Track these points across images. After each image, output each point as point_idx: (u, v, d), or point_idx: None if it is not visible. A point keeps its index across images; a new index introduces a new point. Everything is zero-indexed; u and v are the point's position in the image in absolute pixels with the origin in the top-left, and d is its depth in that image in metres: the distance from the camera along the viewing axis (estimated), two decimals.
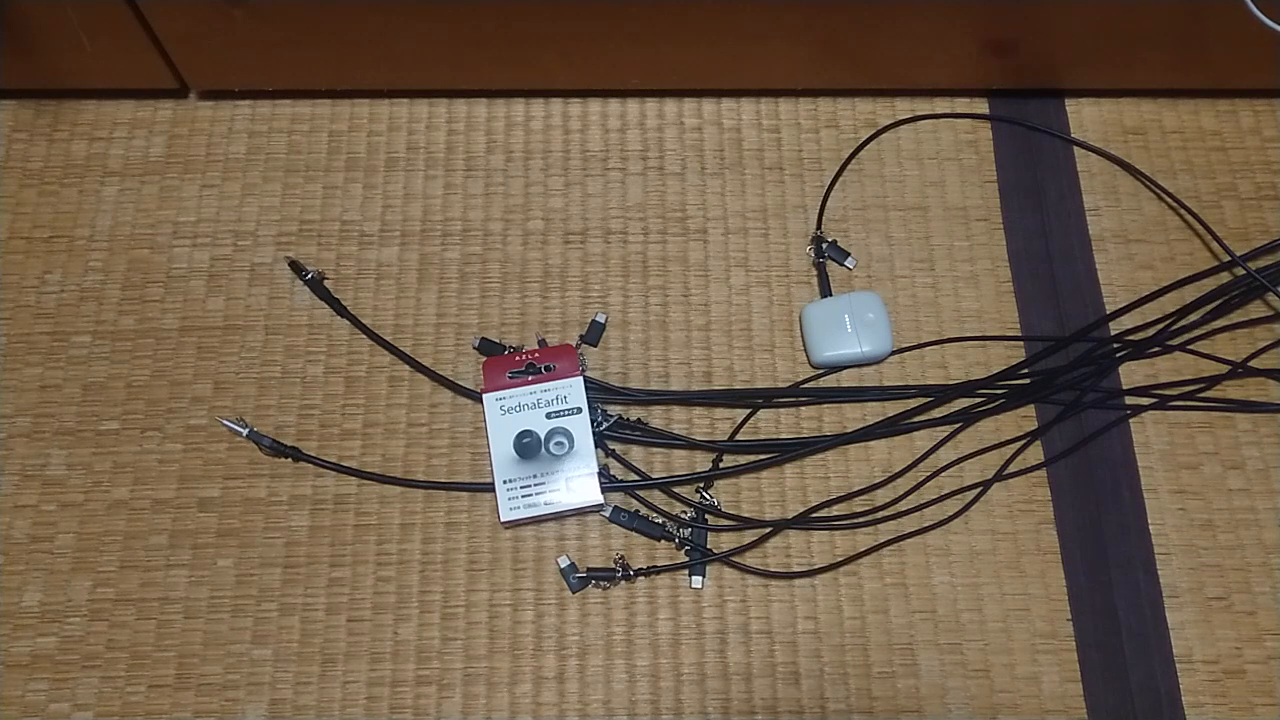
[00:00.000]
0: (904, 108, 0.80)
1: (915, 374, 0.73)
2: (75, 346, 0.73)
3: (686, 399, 0.72)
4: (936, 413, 0.72)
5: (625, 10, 0.69)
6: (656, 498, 0.70)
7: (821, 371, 0.73)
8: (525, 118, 0.80)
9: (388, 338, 0.73)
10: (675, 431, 0.71)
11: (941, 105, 0.81)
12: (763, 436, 0.71)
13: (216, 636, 0.66)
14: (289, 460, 0.70)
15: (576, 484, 0.67)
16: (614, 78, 0.77)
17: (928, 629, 0.67)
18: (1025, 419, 0.72)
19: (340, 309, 0.74)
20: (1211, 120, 0.80)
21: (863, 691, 0.66)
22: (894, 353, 0.73)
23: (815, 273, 0.75)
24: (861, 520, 0.69)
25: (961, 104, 0.81)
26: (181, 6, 0.68)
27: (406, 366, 0.73)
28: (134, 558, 0.68)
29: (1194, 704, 0.66)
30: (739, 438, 0.71)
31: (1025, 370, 0.73)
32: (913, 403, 0.72)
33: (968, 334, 0.74)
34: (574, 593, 0.68)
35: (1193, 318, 0.74)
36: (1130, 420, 0.72)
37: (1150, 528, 0.70)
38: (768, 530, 0.69)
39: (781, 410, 0.72)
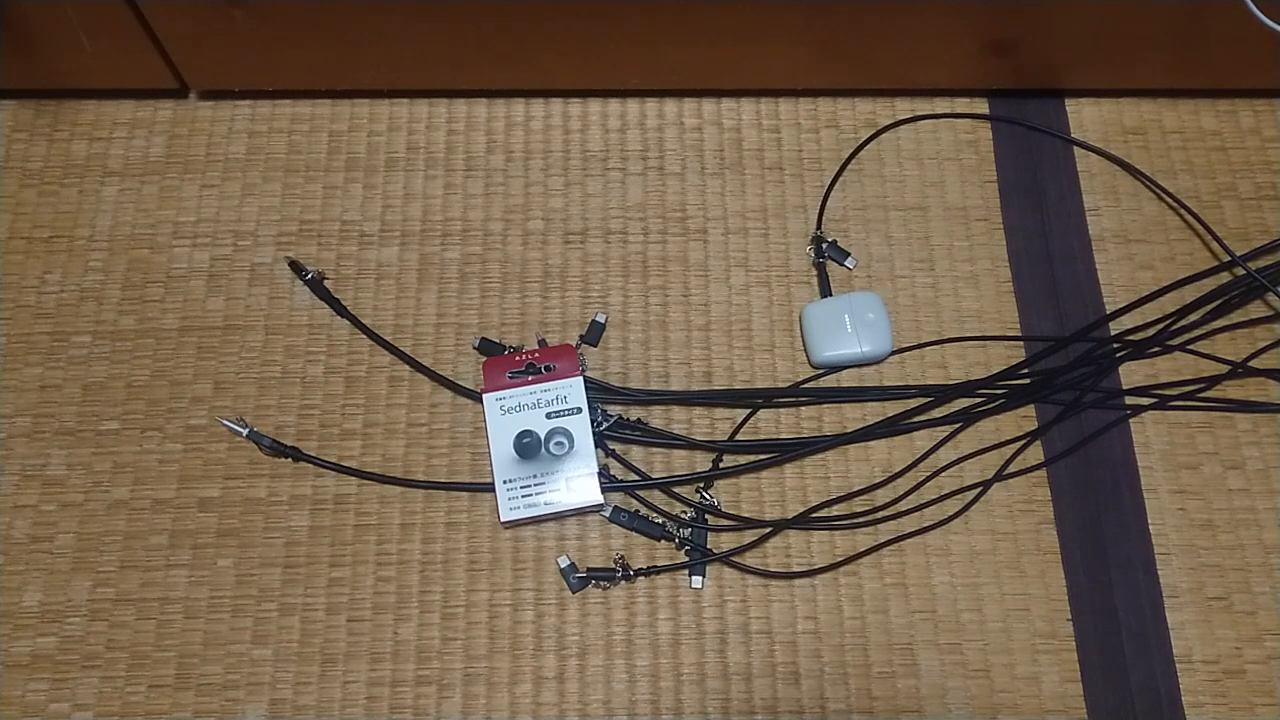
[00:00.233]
0: (904, 108, 0.80)
1: (915, 374, 0.73)
2: (75, 346, 0.73)
3: (686, 399, 0.72)
4: (936, 413, 0.72)
5: (625, 10, 0.69)
6: (656, 498, 0.70)
7: (821, 371, 0.73)
8: (525, 118, 0.80)
9: (388, 338, 0.73)
10: (675, 431, 0.71)
11: (941, 105, 0.81)
12: (763, 436, 0.71)
13: (216, 636, 0.66)
14: (289, 460, 0.70)
15: (576, 484, 0.67)
16: (614, 78, 0.77)
17: (928, 629, 0.67)
18: (1025, 419, 0.72)
19: (340, 309, 0.74)
20: (1211, 120, 0.80)
21: (863, 691, 0.66)
22: (894, 353, 0.73)
23: (815, 273, 0.75)
24: (861, 520, 0.69)
25: (961, 104, 0.81)
26: (181, 6, 0.68)
27: (406, 366, 0.73)
28: (134, 558, 0.68)
29: (1194, 704, 0.66)
30: (739, 438, 0.71)
31: (1025, 370, 0.73)
32: (913, 403, 0.72)
33: (968, 334, 0.74)
34: (574, 593, 0.68)
35: (1193, 318, 0.74)
36: (1130, 420, 0.72)
37: (1150, 528, 0.70)
38: (768, 530, 0.69)
39: (781, 410, 0.72)
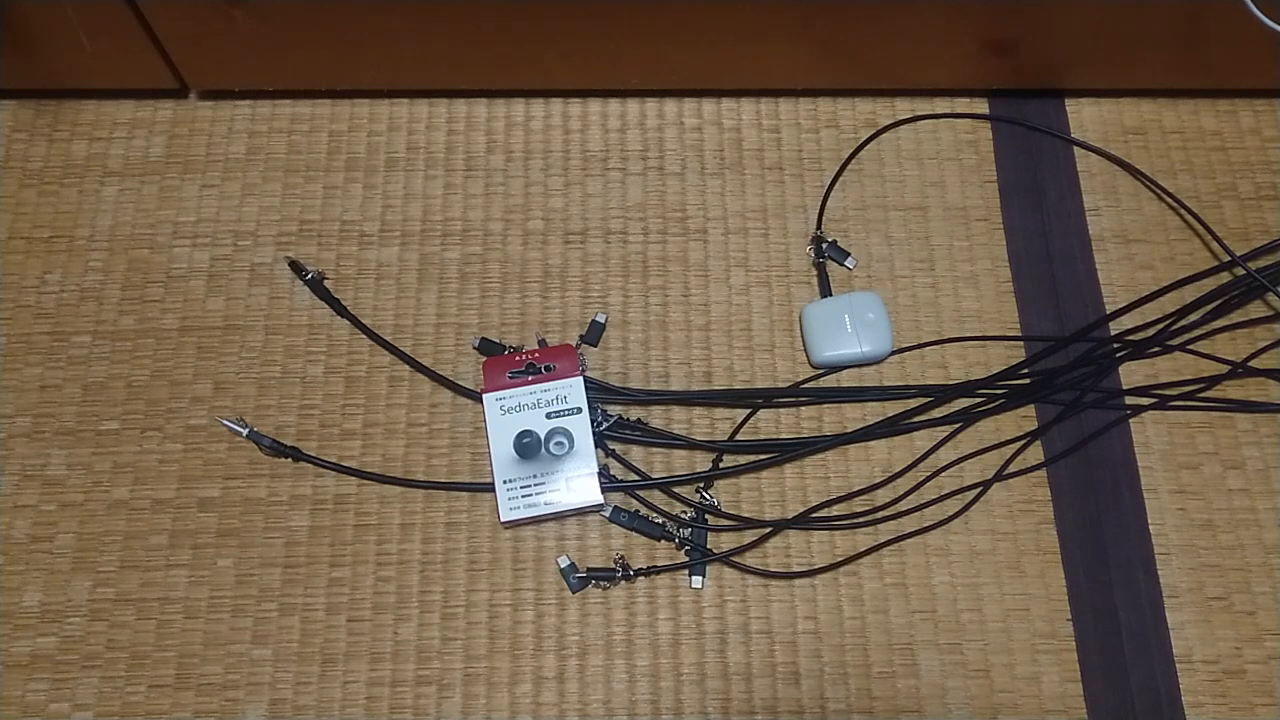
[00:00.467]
0: (904, 108, 0.80)
1: (915, 374, 0.73)
2: (75, 346, 0.73)
3: (686, 399, 0.72)
4: (936, 413, 0.72)
5: (625, 10, 0.69)
6: (656, 498, 0.70)
7: (821, 371, 0.73)
8: (525, 118, 0.80)
9: (388, 338, 0.73)
10: (675, 431, 0.71)
11: (941, 105, 0.81)
12: (763, 436, 0.71)
13: (216, 636, 0.66)
14: (289, 460, 0.70)
15: (576, 484, 0.67)
16: (614, 78, 0.77)
17: (928, 629, 0.67)
18: (1025, 419, 0.72)
19: (340, 309, 0.74)
20: (1211, 120, 0.80)
21: (863, 691, 0.66)
22: (894, 353, 0.73)
23: (815, 273, 0.75)
24: (861, 520, 0.69)
25: (961, 104, 0.81)
26: (181, 6, 0.68)
27: (406, 366, 0.73)
28: (134, 558, 0.68)
29: (1194, 704, 0.66)
30: (739, 438, 0.71)
31: (1025, 370, 0.73)
32: (913, 403, 0.72)
33: (968, 334, 0.74)
34: (574, 593, 0.68)
35: (1193, 318, 0.74)
36: (1130, 420, 0.72)
37: (1150, 528, 0.70)
38: (768, 530, 0.69)
39: (781, 410, 0.72)
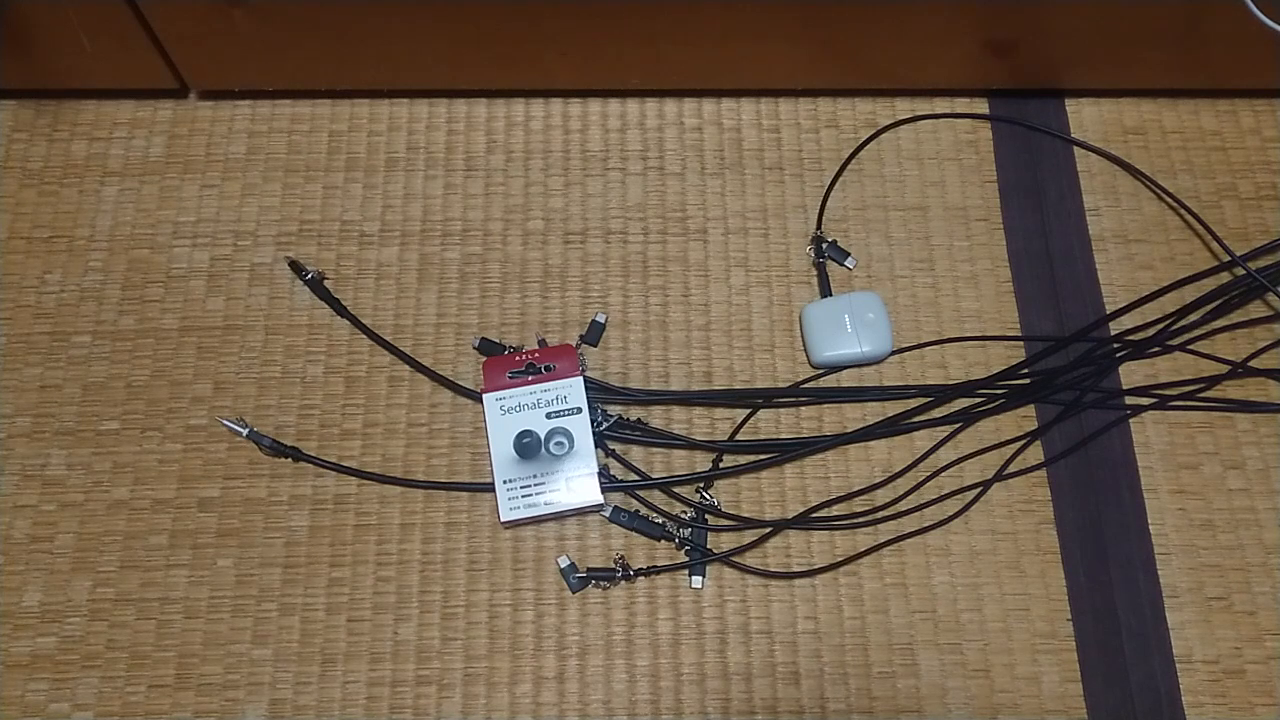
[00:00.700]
0: (904, 108, 0.80)
1: (915, 374, 0.73)
2: (75, 346, 0.73)
3: (686, 399, 0.72)
4: (936, 413, 0.72)
5: (625, 10, 0.69)
6: (656, 498, 0.70)
7: (821, 371, 0.73)
8: (525, 118, 0.80)
9: (388, 338, 0.73)
10: (675, 431, 0.71)
11: (941, 105, 0.81)
12: (763, 436, 0.71)
13: (216, 636, 0.66)
14: (289, 460, 0.70)
15: (576, 484, 0.67)
16: (614, 78, 0.77)
17: (928, 629, 0.67)
18: (1025, 419, 0.72)
19: (340, 309, 0.74)
20: (1211, 120, 0.80)
21: (863, 691, 0.66)
22: (894, 353, 0.73)
23: (815, 273, 0.75)
24: (861, 520, 0.69)
25: (961, 104, 0.81)
26: (181, 6, 0.68)
27: (406, 366, 0.73)
28: (134, 558, 0.68)
29: (1194, 704, 0.66)
30: (739, 438, 0.71)
31: (1025, 370, 0.73)
32: (913, 403, 0.72)
33: (968, 334, 0.74)
34: (574, 593, 0.68)
35: (1193, 318, 0.74)
36: (1130, 420, 0.72)
37: (1150, 528, 0.70)
38: (768, 530, 0.69)
39: (781, 410, 0.72)
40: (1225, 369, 0.73)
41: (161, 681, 0.65)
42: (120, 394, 0.72)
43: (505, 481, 0.68)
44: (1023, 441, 0.71)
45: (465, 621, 0.67)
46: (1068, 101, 0.81)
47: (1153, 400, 0.72)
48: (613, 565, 0.67)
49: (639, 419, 0.71)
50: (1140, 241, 0.77)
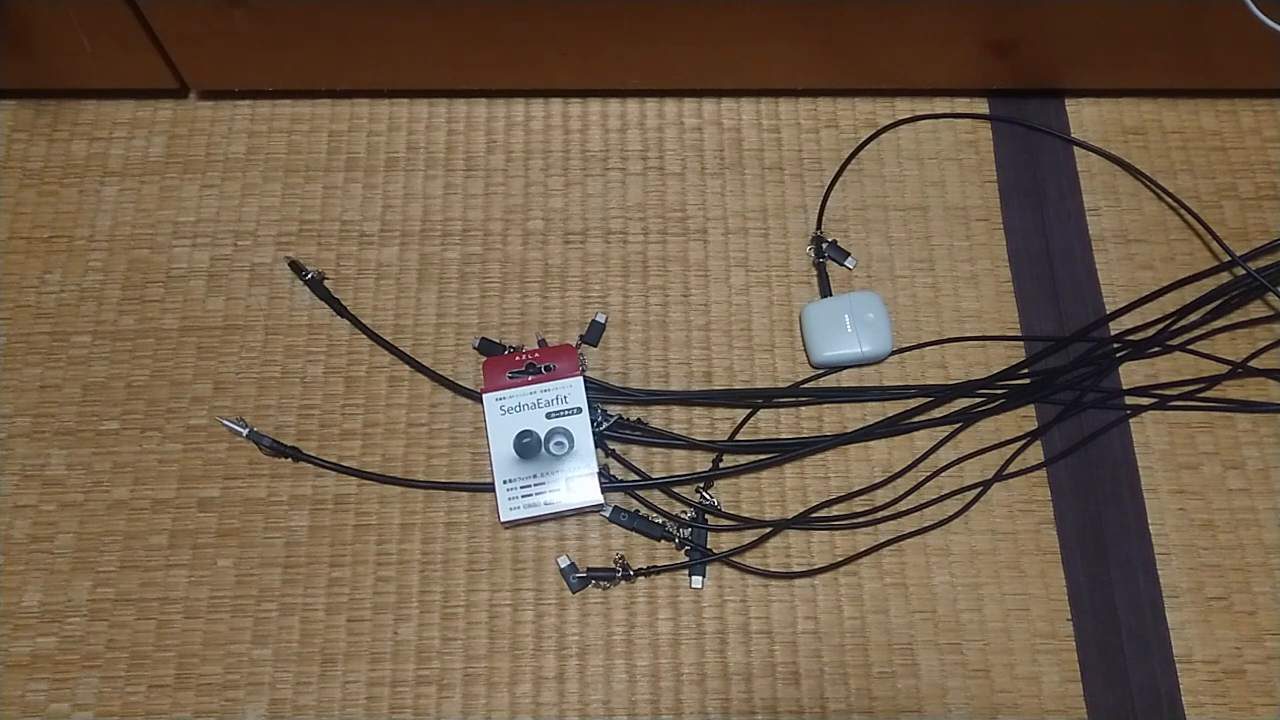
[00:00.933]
0: (904, 108, 0.80)
1: (915, 374, 0.73)
2: (75, 346, 0.73)
3: (686, 399, 0.72)
4: (936, 413, 0.72)
5: (625, 10, 0.69)
6: (656, 498, 0.70)
7: (821, 371, 0.73)
8: (525, 118, 0.80)
9: (388, 338, 0.73)
10: (675, 431, 0.71)
11: (941, 105, 0.81)
12: (763, 436, 0.71)
13: (216, 636, 0.66)
14: (289, 460, 0.70)
15: (576, 484, 0.67)
16: (614, 78, 0.77)
17: (928, 629, 0.67)
18: (1025, 419, 0.72)
19: (340, 309, 0.74)
20: (1211, 120, 0.80)
21: (863, 691, 0.66)
22: (894, 353, 0.73)
23: (815, 273, 0.75)
24: (861, 520, 0.69)
25: (961, 104, 0.81)
26: (181, 6, 0.68)
27: (406, 366, 0.73)
28: (134, 558, 0.68)
29: (1194, 704, 0.66)
30: (739, 438, 0.71)
31: (1025, 370, 0.73)
32: (913, 403, 0.72)
33: (968, 334, 0.74)
34: (574, 593, 0.68)
35: (1193, 318, 0.74)
36: (1130, 420, 0.72)
37: (1150, 528, 0.70)
38: (768, 530, 0.69)
39: (781, 410, 0.72)
40: (1225, 369, 0.73)
41: (161, 681, 0.65)
42: (120, 394, 0.72)
43: (505, 481, 0.68)
44: (1023, 441, 0.71)
45: (465, 621, 0.67)
46: (1068, 101, 0.81)
47: (1153, 400, 0.72)
48: (613, 565, 0.67)
49: (639, 419, 0.71)
50: (1140, 241, 0.77)
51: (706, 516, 0.69)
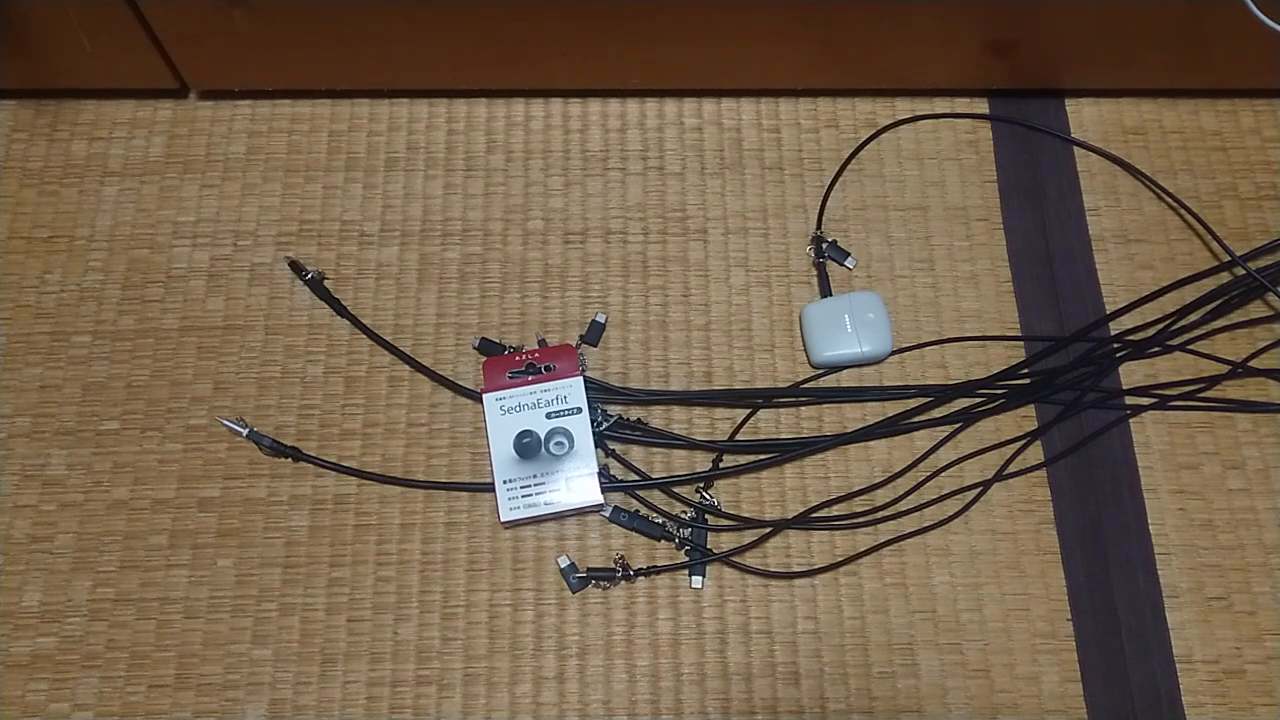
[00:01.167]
0: (904, 108, 0.80)
1: (915, 374, 0.73)
2: (75, 346, 0.73)
3: (686, 399, 0.72)
4: (936, 413, 0.72)
5: (625, 10, 0.69)
6: (656, 498, 0.70)
7: (821, 371, 0.73)
8: (525, 118, 0.80)
9: (388, 338, 0.73)
10: (675, 431, 0.71)
11: (941, 105, 0.81)
12: (763, 436, 0.71)
13: (216, 636, 0.66)
14: (289, 460, 0.70)
15: (576, 484, 0.67)
16: (614, 78, 0.77)
17: (928, 629, 0.67)
18: (1025, 419, 0.72)
19: (340, 309, 0.74)
20: (1211, 120, 0.80)
21: (863, 691, 0.66)
22: (894, 353, 0.73)
23: (815, 273, 0.75)
24: (861, 520, 0.69)
25: (961, 104, 0.81)
26: (181, 6, 0.68)
27: (406, 366, 0.73)
28: (134, 558, 0.68)
29: (1194, 704, 0.66)
30: (739, 438, 0.71)
31: (1025, 370, 0.73)
32: (913, 403, 0.72)
33: (968, 334, 0.74)
34: (574, 593, 0.68)
35: (1193, 318, 0.74)
36: (1130, 420, 0.72)
37: (1150, 528, 0.70)
38: (768, 530, 0.69)
39: (781, 410, 0.72)
40: (1225, 369, 0.73)
41: (161, 681, 0.65)
42: (120, 394, 0.72)
43: (505, 481, 0.68)
44: (1023, 441, 0.71)
45: (465, 621, 0.67)
46: (1068, 101, 0.81)
47: (1153, 400, 0.72)
48: (613, 565, 0.67)
49: (639, 419, 0.71)
50: (1140, 241, 0.77)
51: (706, 516, 0.69)
